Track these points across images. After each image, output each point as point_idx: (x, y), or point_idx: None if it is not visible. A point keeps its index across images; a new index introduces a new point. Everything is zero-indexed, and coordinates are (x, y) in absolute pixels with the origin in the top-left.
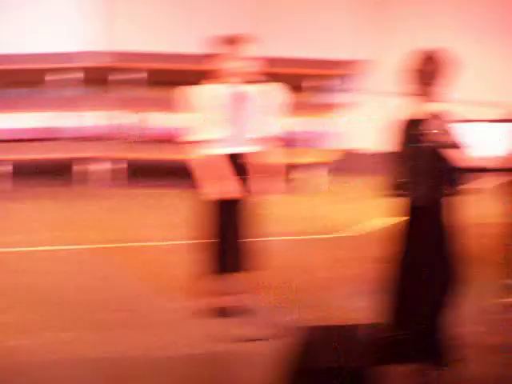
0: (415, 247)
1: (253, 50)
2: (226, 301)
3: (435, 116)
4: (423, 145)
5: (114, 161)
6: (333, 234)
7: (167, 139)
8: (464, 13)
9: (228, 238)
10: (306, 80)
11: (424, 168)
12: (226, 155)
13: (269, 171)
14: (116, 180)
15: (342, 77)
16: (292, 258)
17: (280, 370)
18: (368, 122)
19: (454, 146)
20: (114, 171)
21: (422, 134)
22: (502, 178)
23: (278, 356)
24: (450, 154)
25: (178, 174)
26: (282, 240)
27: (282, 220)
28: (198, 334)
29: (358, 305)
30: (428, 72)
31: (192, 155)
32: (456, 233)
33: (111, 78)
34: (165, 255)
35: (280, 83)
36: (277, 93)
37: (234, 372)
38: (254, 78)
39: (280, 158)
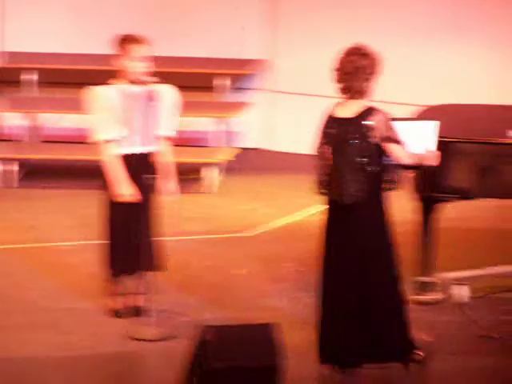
0: (342, 245)
1: (148, 50)
2: (134, 300)
3: (372, 112)
4: (367, 140)
5: (6, 162)
6: (240, 232)
7: (62, 139)
8: (365, 9)
9: (130, 238)
10: (204, 79)
11: (354, 164)
12: (126, 155)
13: (167, 171)
14: (8, 181)
15: (242, 76)
16: (200, 258)
17: (187, 369)
18: (268, 120)
19: (397, 141)
20: (5, 172)
21: (364, 130)
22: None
23: (186, 356)
24: (392, 149)
25: (75, 174)
26: (189, 239)
27: (187, 219)
28: (106, 333)
29: (270, 304)
30: (352, 69)
31: (92, 156)
32: (389, 230)
33: (2, 78)
34: (66, 256)
35: (173, 83)
36: (170, 93)
37: (143, 371)
38: (150, 78)
39: (173, 157)
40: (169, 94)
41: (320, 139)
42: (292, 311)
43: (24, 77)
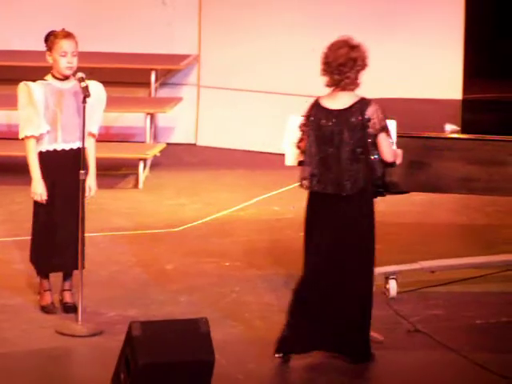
0: (335, 237)
1: (76, 46)
2: (60, 297)
3: (368, 103)
4: (365, 131)
5: None
6: (167, 228)
7: None
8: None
9: (55, 235)
10: (133, 75)
11: (350, 155)
12: (48, 152)
13: (93, 167)
14: None
15: (170, 71)
16: (127, 253)
17: (116, 365)
18: (194, 115)
19: (389, 133)
20: None
21: (362, 121)
22: None
23: (114, 351)
24: (383, 142)
25: (6, 170)
26: (116, 235)
27: (114, 215)
28: (37, 329)
29: (197, 299)
30: (345, 61)
31: (23, 152)
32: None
33: None
34: None
35: (102, 79)
36: (96, 88)
37: (72, 367)
38: (78, 73)
39: (97, 153)
40: (95, 89)
41: (307, 132)
42: (218, 306)
43: None
